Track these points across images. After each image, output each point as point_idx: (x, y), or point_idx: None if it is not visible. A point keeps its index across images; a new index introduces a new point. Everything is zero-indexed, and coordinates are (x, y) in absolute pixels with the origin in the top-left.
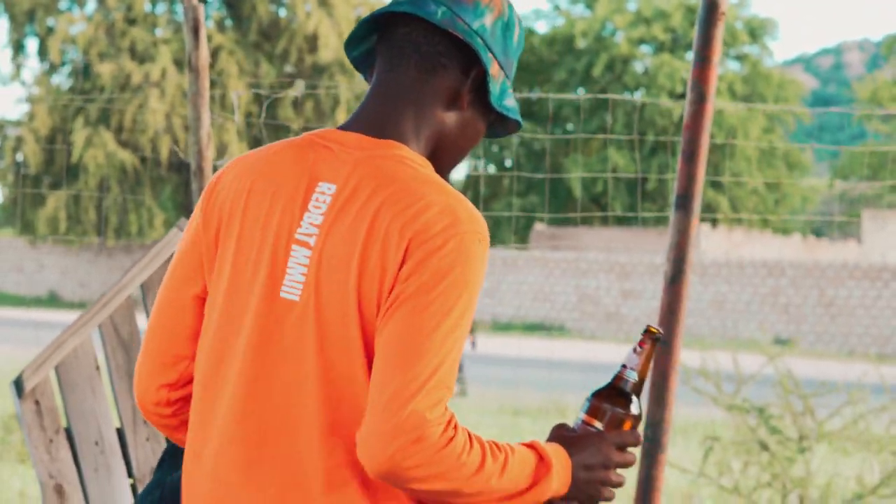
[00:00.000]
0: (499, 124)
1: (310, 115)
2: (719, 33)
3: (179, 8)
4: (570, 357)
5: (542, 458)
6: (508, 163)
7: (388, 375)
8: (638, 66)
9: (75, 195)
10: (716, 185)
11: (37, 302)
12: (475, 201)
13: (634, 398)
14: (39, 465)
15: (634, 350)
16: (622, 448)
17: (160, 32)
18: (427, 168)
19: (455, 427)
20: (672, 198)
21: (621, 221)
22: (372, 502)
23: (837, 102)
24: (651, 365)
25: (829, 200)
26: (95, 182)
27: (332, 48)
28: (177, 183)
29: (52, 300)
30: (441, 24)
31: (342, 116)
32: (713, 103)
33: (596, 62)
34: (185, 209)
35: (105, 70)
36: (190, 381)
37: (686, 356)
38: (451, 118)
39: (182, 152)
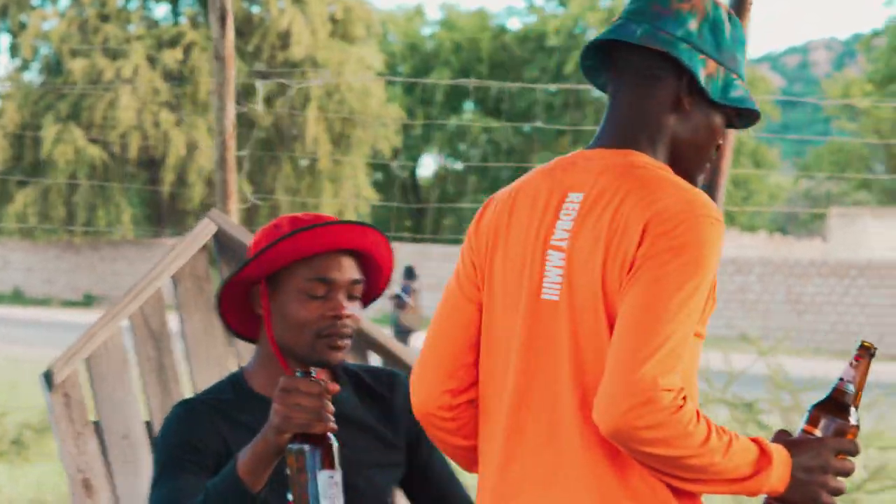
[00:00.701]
0: (738, 116)
1: (281, 112)
2: (748, 25)
3: (153, 5)
4: None
5: (763, 451)
6: (476, 159)
7: (623, 341)
8: None
9: (44, 190)
10: None
11: (0, 298)
12: (442, 198)
13: (853, 409)
14: (67, 458)
15: (851, 364)
16: (842, 455)
17: (133, 29)
18: (665, 170)
19: (685, 398)
20: None
21: None
22: (621, 476)
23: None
24: (866, 378)
25: (795, 198)
26: (65, 178)
27: (304, 45)
28: (145, 179)
29: (17, 297)
30: (641, 42)
31: (313, 112)
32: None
33: (568, 60)
34: (154, 205)
35: (77, 66)
36: (468, 388)
37: None
38: (679, 122)
39: (153, 148)
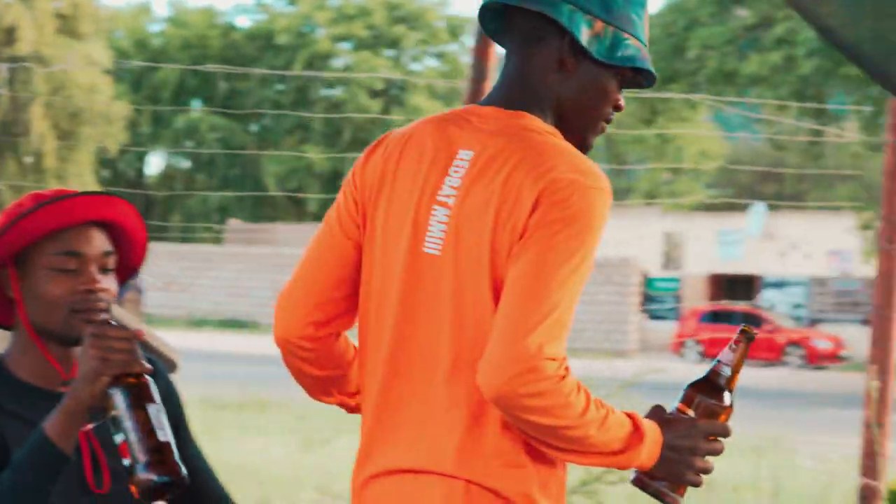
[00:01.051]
0: (637, 75)
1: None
2: None
3: None
4: (266, 353)
5: (636, 427)
6: (205, 157)
7: (511, 308)
8: (338, 63)
9: None
10: None
11: None
12: (168, 196)
13: (727, 392)
14: None
15: (730, 347)
16: (712, 436)
17: None
18: (555, 135)
19: (567, 368)
20: None
21: (318, 217)
22: (477, 442)
23: None
24: (744, 362)
25: None
26: None
27: (29, 41)
28: None
29: None
30: (521, 4)
31: (39, 111)
32: (491, 81)
33: (296, 58)
34: None
35: None
36: (333, 320)
37: None
38: (563, 83)
39: None
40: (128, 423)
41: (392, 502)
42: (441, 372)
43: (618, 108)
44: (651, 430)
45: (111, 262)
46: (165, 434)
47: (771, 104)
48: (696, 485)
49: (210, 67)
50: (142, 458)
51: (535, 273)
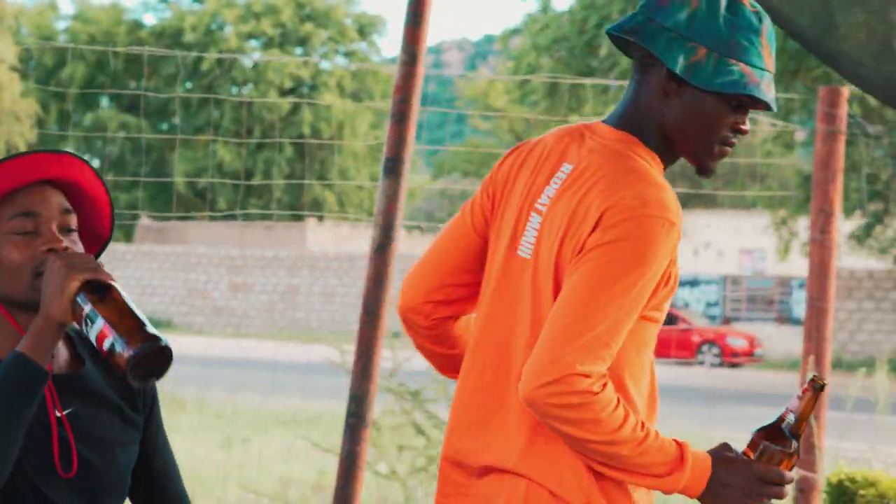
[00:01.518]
0: (752, 100)
1: None
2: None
3: None
4: (180, 352)
5: (681, 456)
6: (114, 156)
7: (555, 320)
8: (247, 62)
9: None
10: (324, 180)
11: None
12: None
13: (793, 440)
14: None
15: (798, 395)
16: (768, 481)
17: None
18: (648, 161)
19: (605, 386)
20: (277, 194)
21: (227, 217)
22: (545, 435)
23: (438, 100)
24: (812, 410)
25: (431, 197)
26: None
27: None
28: None
29: None
30: (623, 34)
31: None
32: (423, 65)
33: (203, 57)
34: None
35: None
36: (451, 304)
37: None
38: (669, 108)
39: None
40: (101, 313)
41: (457, 493)
42: (515, 372)
43: (738, 131)
44: (699, 461)
45: (72, 220)
46: (141, 313)
47: None
48: None
49: (140, 50)
50: (121, 334)
51: (583, 290)
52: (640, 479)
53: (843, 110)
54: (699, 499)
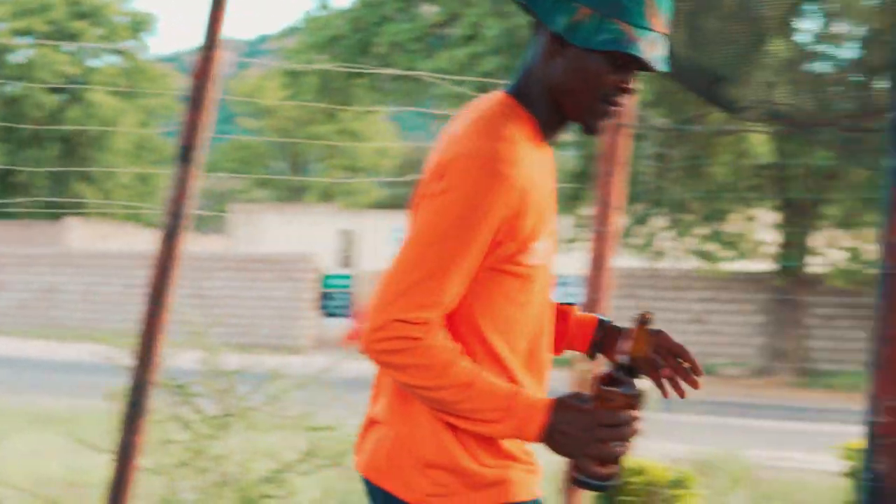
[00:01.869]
0: (636, 60)
1: None
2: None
3: None
4: None
5: (510, 402)
6: None
7: (386, 270)
8: (17, 57)
9: None
10: (87, 178)
11: None
12: None
13: (630, 380)
14: None
15: (625, 336)
16: (607, 424)
17: None
18: (512, 119)
19: (431, 332)
20: (44, 190)
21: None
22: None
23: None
24: (645, 345)
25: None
26: None
27: None
28: None
29: None
30: None
31: None
32: (222, 51)
33: None
34: None
35: None
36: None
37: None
38: (554, 68)
39: None
40: None
41: (356, 450)
42: None
43: (620, 90)
44: (533, 408)
45: None
46: None
47: (454, 100)
48: (598, 474)
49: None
50: None
51: (407, 241)
52: (476, 426)
53: (630, 103)
54: (544, 444)
